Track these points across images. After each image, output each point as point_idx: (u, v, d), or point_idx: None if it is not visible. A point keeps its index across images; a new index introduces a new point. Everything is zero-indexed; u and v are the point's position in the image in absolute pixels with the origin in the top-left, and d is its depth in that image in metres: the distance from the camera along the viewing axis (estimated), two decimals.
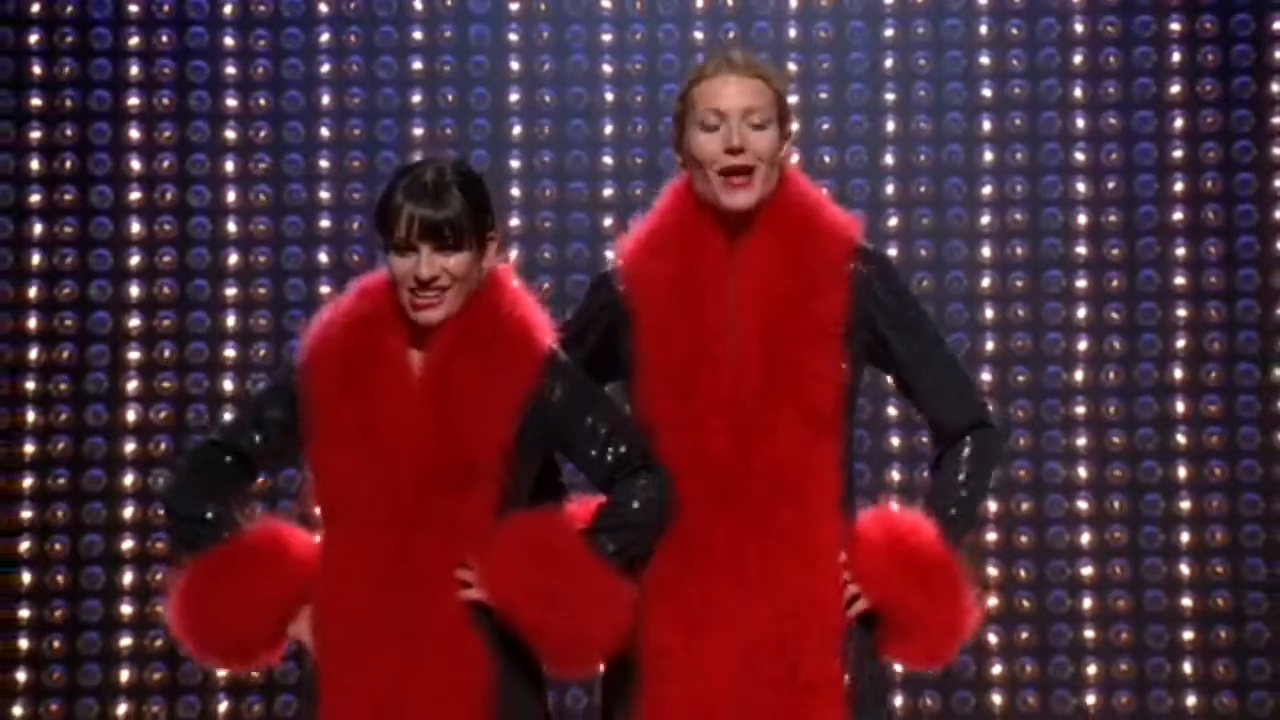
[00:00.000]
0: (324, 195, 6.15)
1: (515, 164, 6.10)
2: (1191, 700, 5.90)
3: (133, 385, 6.09)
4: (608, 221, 5.95)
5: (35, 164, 6.26)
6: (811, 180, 3.94)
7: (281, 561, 3.65)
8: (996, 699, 5.85)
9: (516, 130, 6.11)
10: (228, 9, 6.25)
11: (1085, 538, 5.94)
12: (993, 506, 5.98)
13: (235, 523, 3.64)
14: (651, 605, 3.63)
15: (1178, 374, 6.09)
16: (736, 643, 3.62)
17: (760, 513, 3.64)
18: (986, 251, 6.10)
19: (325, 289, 6.02)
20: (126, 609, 6.00)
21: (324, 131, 6.17)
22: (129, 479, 6.01)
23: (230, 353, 6.10)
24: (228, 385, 6.06)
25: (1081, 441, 6.00)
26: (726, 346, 3.66)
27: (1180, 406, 6.07)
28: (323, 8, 6.23)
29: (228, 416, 5.73)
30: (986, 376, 6.01)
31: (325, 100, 6.19)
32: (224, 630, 3.64)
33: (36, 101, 6.29)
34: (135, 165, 6.21)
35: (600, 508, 3.60)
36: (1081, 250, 6.18)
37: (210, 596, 3.62)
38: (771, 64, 4.22)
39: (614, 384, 3.89)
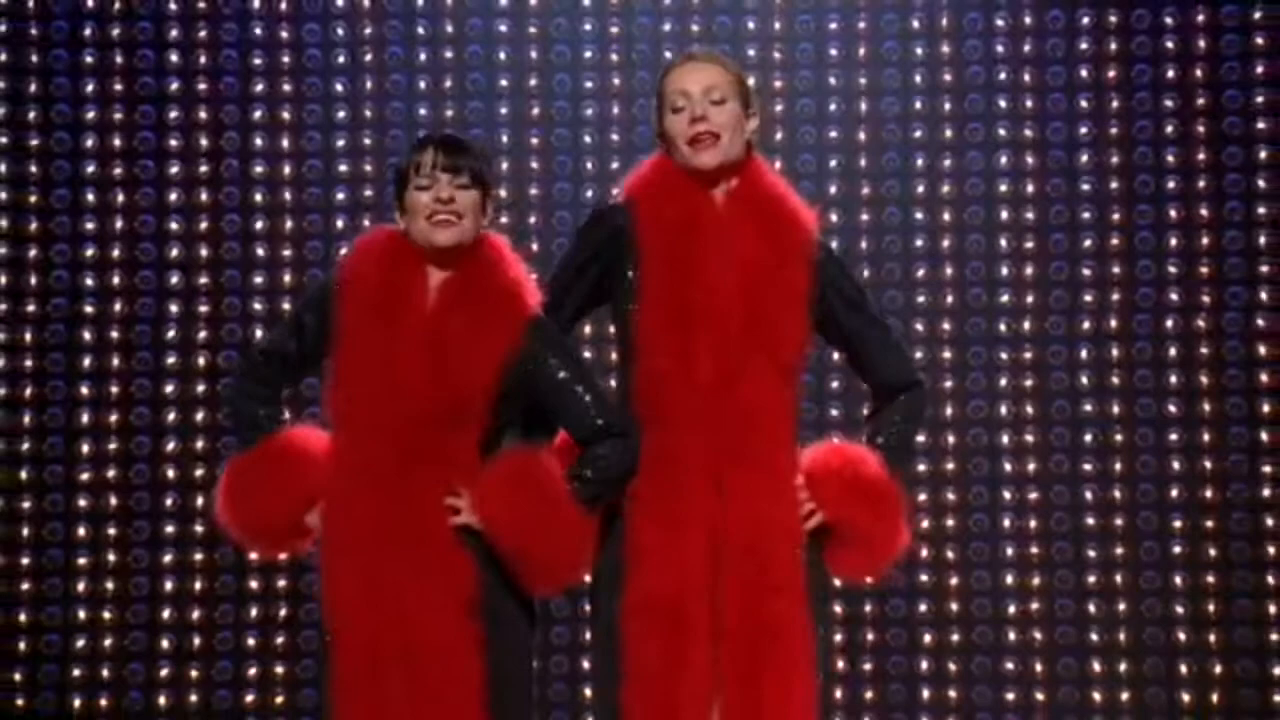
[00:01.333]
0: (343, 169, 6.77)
1: (504, 139, 6.69)
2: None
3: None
4: (589, 193, 6.60)
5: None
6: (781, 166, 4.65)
7: (306, 461, 4.12)
8: (923, 607, 6.57)
9: (503, 111, 6.73)
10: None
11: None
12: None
13: (278, 424, 4.16)
14: (636, 510, 4.10)
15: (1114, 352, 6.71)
16: (710, 544, 4.07)
17: (735, 440, 4.11)
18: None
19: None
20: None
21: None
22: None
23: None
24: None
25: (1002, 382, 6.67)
26: (716, 295, 4.15)
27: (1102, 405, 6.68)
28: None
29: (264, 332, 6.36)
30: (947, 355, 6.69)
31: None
32: (256, 517, 4.15)
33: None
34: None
35: (582, 457, 4.07)
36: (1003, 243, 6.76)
37: (246, 488, 4.14)
38: (732, 58, 4.66)
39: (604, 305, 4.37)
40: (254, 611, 6.63)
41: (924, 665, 6.58)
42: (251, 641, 6.62)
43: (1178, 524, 6.61)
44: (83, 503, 6.66)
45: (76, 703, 6.61)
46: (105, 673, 6.63)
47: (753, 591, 4.10)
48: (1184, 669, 6.57)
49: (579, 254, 4.28)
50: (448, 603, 3.97)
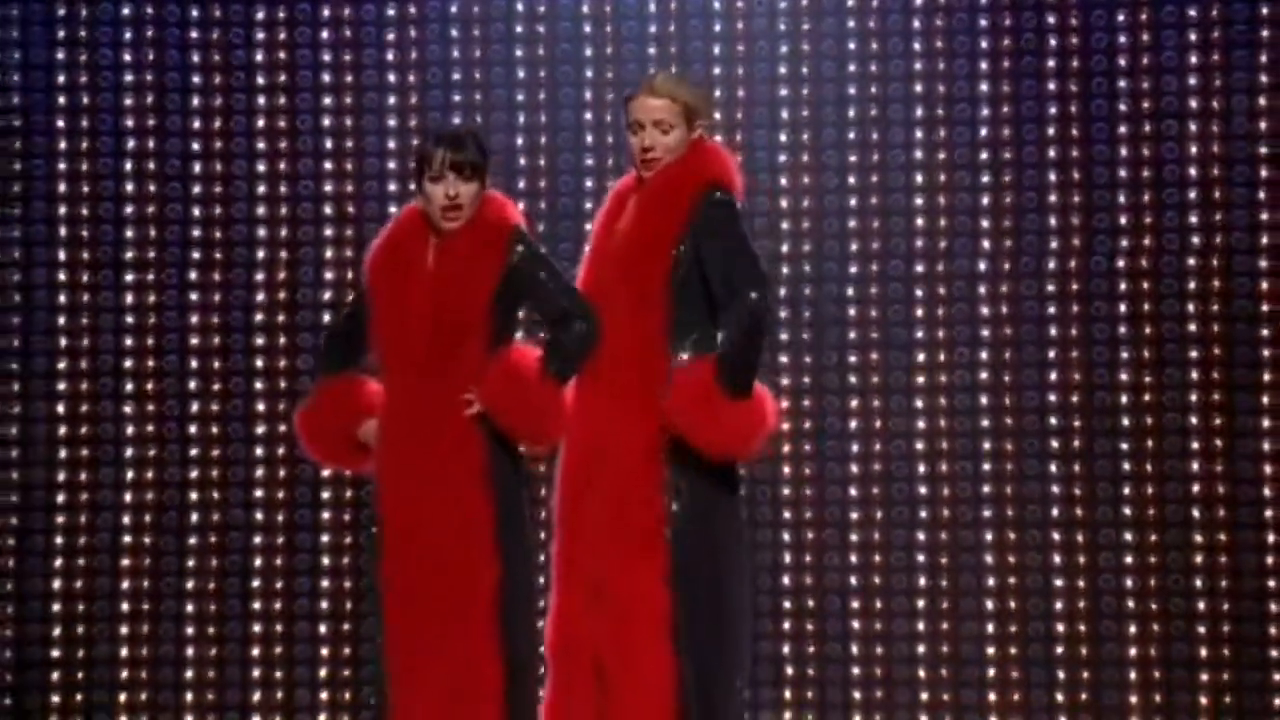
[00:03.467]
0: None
1: (521, 121, 7.62)
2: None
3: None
4: (590, 160, 7.64)
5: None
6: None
7: (359, 397, 5.40)
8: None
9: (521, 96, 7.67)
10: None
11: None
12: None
13: (343, 374, 5.42)
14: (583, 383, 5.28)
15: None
16: (587, 439, 5.22)
17: (608, 355, 5.20)
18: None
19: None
20: None
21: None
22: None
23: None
24: None
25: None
26: (610, 242, 5.32)
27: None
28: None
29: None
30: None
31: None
32: (325, 439, 5.45)
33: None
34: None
35: (550, 345, 5.25)
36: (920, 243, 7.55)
37: (313, 414, 5.46)
38: (689, 82, 5.76)
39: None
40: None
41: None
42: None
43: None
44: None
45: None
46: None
47: (608, 488, 5.20)
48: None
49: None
50: (466, 474, 5.21)
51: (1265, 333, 7.35)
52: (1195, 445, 7.37)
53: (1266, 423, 7.32)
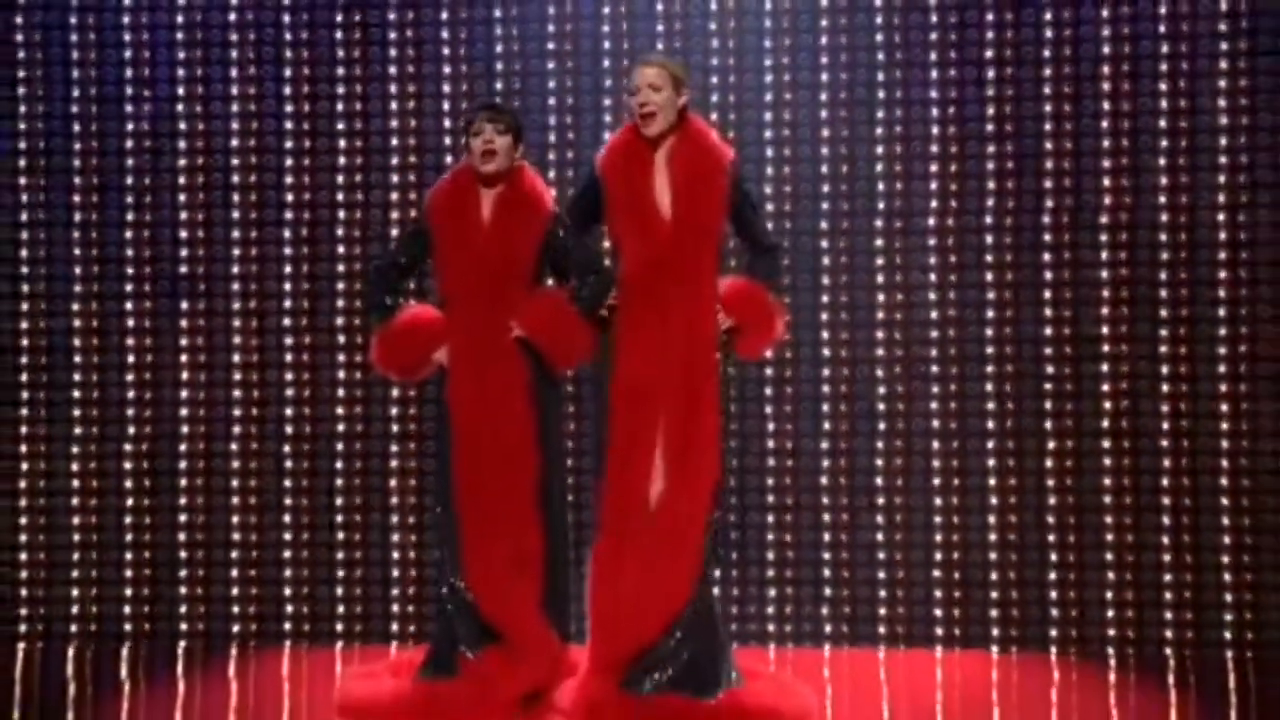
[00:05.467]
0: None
1: (550, 101, 8.26)
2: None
3: None
4: (609, 122, 8.18)
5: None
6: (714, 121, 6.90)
7: (431, 323, 6.66)
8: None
9: (551, 82, 8.27)
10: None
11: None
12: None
13: (398, 306, 6.65)
14: (622, 315, 6.52)
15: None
16: (676, 333, 6.44)
17: (675, 281, 6.47)
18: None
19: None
20: None
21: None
22: None
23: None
24: None
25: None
26: (656, 205, 6.49)
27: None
28: None
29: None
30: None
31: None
32: (400, 358, 6.69)
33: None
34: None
35: (578, 290, 6.57)
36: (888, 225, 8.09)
37: (392, 341, 6.68)
38: (676, 60, 7.00)
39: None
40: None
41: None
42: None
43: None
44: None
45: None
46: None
47: (690, 372, 6.49)
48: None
49: (580, 191, 6.79)
50: (514, 388, 6.61)
51: None
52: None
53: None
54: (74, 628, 8.24)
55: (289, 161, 8.31)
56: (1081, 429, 7.96)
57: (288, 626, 8.19)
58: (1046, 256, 7.99)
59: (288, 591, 8.21)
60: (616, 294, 6.61)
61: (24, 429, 8.31)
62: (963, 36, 8.11)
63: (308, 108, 8.32)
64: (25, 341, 8.33)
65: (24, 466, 8.30)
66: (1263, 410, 7.84)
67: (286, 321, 8.30)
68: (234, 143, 8.33)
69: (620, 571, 6.45)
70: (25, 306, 8.34)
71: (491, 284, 6.59)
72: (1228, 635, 7.80)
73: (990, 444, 8.02)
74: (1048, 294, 8.01)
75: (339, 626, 8.18)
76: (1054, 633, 7.91)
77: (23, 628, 8.24)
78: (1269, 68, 7.91)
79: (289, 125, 8.32)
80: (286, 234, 8.33)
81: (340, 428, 8.26)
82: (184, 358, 8.30)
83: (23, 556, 8.26)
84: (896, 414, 8.08)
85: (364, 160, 8.29)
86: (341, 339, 8.27)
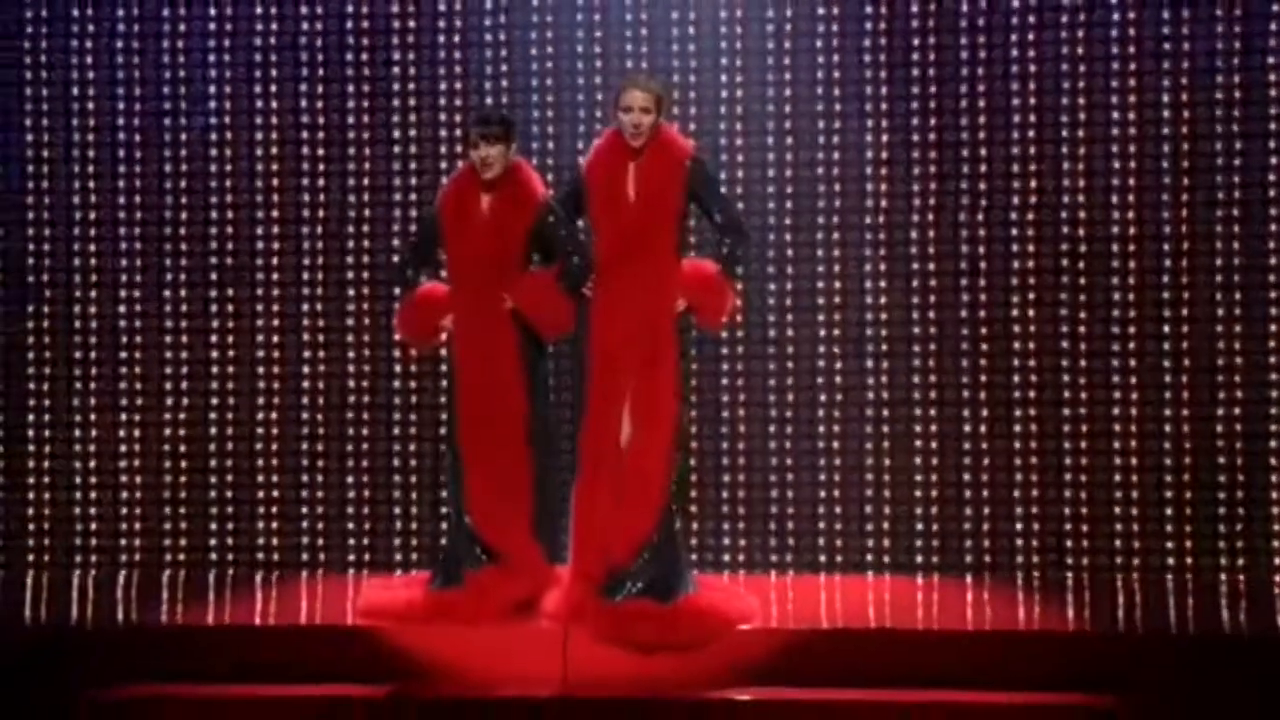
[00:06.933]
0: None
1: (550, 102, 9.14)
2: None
3: None
4: (597, 125, 8.88)
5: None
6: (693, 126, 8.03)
7: (439, 297, 7.70)
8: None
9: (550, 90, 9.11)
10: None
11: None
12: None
13: (419, 282, 7.71)
14: (595, 288, 7.53)
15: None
16: (640, 304, 7.45)
17: (639, 260, 7.46)
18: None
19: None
20: None
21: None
22: None
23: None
24: None
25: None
26: (628, 200, 7.44)
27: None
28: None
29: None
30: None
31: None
32: (415, 327, 7.77)
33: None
34: None
35: (561, 270, 7.53)
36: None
37: (409, 313, 7.78)
38: (660, 80, 7.94)
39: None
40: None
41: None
42: None
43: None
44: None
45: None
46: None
47: (650, 343, 7.53)
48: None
49: (568, 188, 7.83)
50: (506, 349, 7.68)
51: None
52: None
53: None
54: (131, 556, 9.28)
55: (320, 167, 9.27)
56: (996, 362, 8.89)
57: (349, 554, 9.19)
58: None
59: (319, 525, 9.25)
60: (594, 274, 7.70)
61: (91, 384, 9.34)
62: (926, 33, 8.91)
63: (335, 119, 9.26)
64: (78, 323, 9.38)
65: (90, 417, 9.32)
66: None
67: (316, 307, 9.31)
68: (272, 150, 9.28)
69: (596, 503, 7.62)
70: (80, 294, 9.37)
71: (489, 265, 7.65)
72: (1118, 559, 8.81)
73: (917, 395, 8.96)
74: (964, 248, 8.87)
75: (389, 554, 9.20)
76: (969, 559, 8.93)
77: (90, 556, 9.28)
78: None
79: (320, 135, 9.26)
80: (318, 229, 9.28)
81: (365, 399, 9.25)
82: (216, 353, 9.30)
83: (91, 495, 9.31)
84: (834, 387, 9.00)
85: (383, 165, 9.24)
86: (366, 320, 9.23)
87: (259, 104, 9.26)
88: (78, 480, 9.31)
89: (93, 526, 9.28)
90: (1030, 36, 8.86)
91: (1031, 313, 8.91)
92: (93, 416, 9.30)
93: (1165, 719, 7.24)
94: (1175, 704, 7.28)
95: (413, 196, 9.18)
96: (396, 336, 7.98)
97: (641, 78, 7.82)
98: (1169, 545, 8.85)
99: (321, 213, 9.26)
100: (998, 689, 7.27)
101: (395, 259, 8.19)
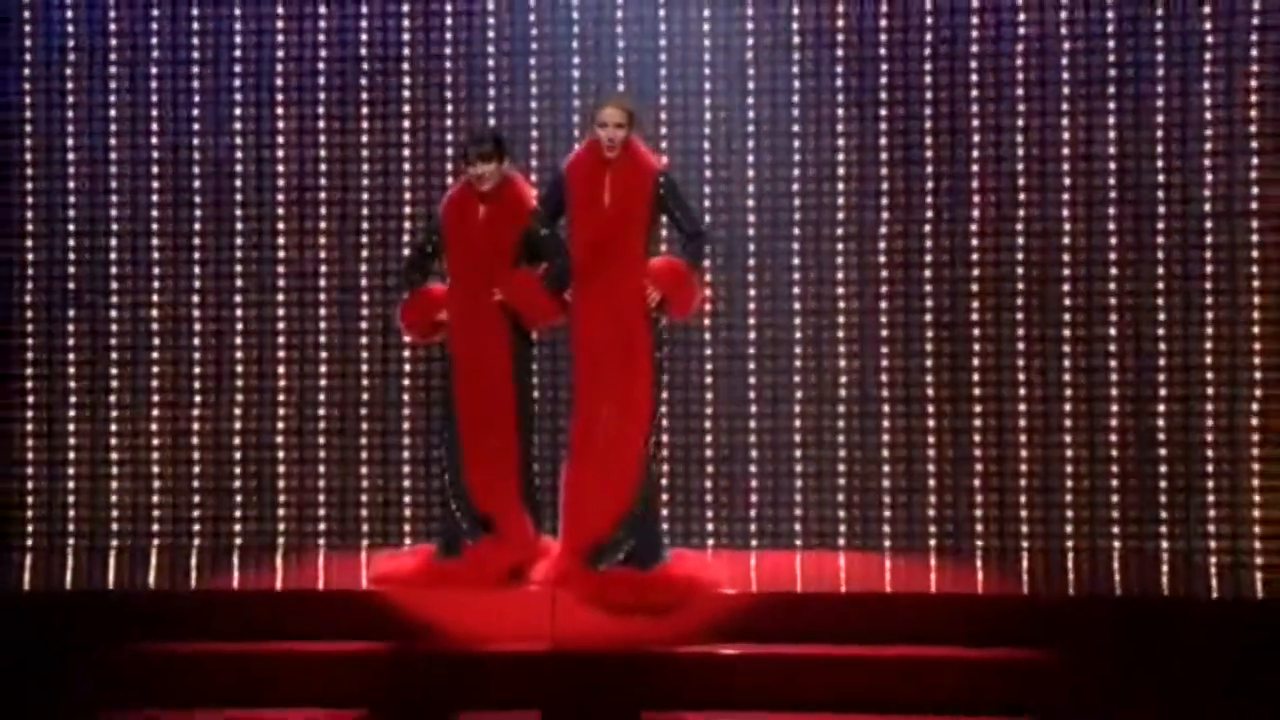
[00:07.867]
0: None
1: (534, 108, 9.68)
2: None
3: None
4: (576, 132, 9.44)
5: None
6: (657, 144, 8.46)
7: (437, 294, 8.22)
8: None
9: (534, 96, 9.70)
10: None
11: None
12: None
13: (423, 281, 8.26)
14: (574, 286, 8.02)
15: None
16: (614, 300, 7.98)
17: (613, 261, 7.96)
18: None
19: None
20: None
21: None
22: None
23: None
24: None
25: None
26: (604, 205, 7.99)
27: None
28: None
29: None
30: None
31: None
32: (415, 319, 8.31)
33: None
34: None
35: (546, 270, 8.07)
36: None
37: (410, 309, 8.33)
38: (632, 98, 8.38)
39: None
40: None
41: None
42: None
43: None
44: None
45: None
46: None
47: (625, 334, 8.06)
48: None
49: (548, 190, 8.31)
50: (498, 340, 8.24)
51: None
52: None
53: None
54: (156, 528, 9.84)
55: (335, 180, 9.84)
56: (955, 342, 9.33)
57: (362, 528, 9.78)
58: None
59: (329, 498, 9.86)
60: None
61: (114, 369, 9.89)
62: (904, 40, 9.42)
63: (351, 139, 9.81)
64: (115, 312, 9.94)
65: (113, 399, 9.84)
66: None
67: (324, 311, 9.87)
68: (291, 167, 9.82)
69: (582, 481, 8.27)
70: (116, 285, 9.90)
71: (482, 266, 8.22)
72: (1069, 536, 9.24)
73: (885, 377, 9.42)
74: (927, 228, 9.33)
75: (398, 527, 9.77)
76: (933, 543, 9.38)
77: (115, 532, 9.83)
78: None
79: (336, 152, 9.82)
80: (332, 239, 9.84)
81: (371, 382, 9.83)
82: (239, 339, 9.84)
83: (114, 470, 9.84)
84: (810, 369, 9.44)
85: (393, 172, 9.77)
86: (380, 321, 9.83)
87: (279, 124, 9.78)
88: (112, 470, 9.85)
89: (158, 510, 9.74)
90: (988, 64, 9.39)
91: (989, 315, 9.35)
92: (127, 411, 9.86)
93: (1102, 672, 7.66)
94: (1112, 659, 7.70)
95: (418, 209, 9.74)
96: (401, 327, 8.53)
97: (616, 96, 8.38)
98: (1112, 519, 9.23)
99: (336, 222, 9.82)
100: (954, 646, 7.73)
101: (404, 261, 8.69)
